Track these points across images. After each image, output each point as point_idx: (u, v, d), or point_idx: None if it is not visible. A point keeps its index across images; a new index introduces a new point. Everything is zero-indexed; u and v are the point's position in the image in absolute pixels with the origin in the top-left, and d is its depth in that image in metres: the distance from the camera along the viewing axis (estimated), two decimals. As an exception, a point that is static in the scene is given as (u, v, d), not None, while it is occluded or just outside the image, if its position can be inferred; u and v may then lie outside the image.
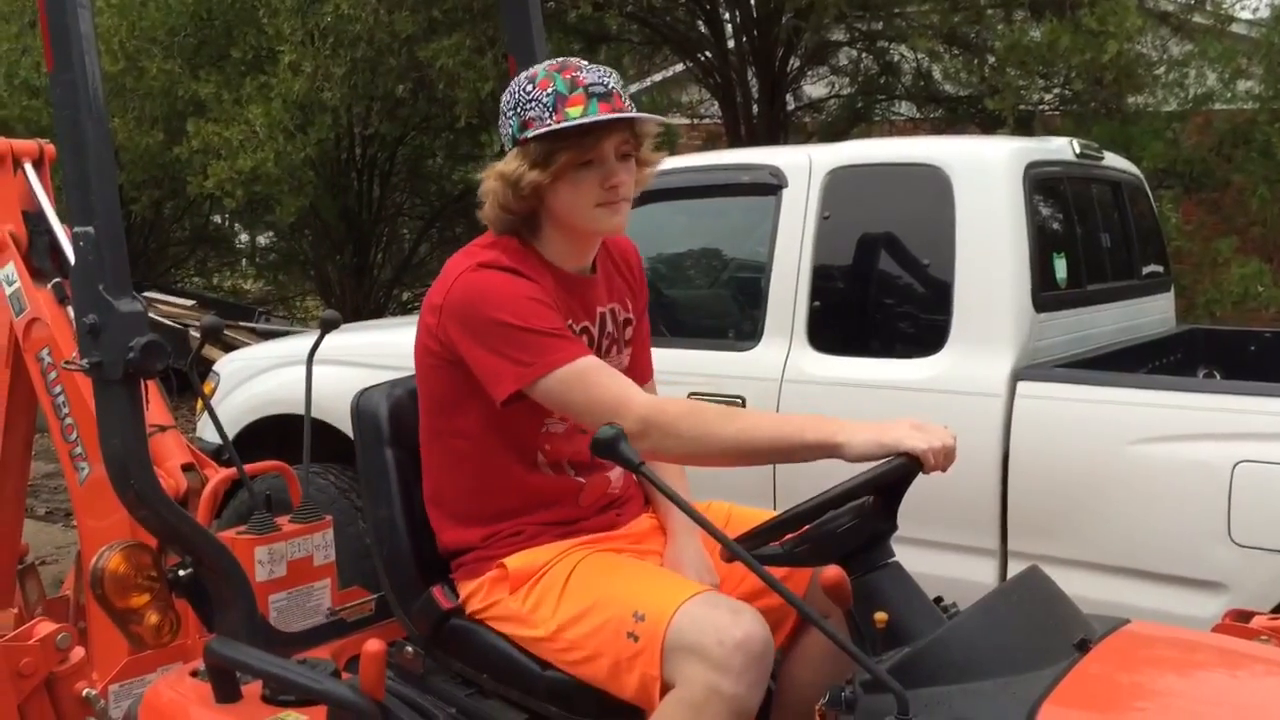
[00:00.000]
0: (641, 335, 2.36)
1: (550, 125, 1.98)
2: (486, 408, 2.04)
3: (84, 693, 2.56)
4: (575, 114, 1.98)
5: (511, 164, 2.04)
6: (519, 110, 2.03)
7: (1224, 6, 7.02)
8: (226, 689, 2.07)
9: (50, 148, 3.15)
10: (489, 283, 2.01)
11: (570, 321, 2.10)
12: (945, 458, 1.80)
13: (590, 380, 1.95)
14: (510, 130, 2.05)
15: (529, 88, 2.03)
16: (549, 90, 2.00)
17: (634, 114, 2.02)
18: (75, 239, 2.08)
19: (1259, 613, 2.15)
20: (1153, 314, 4.30)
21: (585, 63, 2.06)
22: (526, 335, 1.96)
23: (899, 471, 1.79)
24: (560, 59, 2.08)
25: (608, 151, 2.02)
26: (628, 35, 9.03)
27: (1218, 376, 4.24)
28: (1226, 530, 2.88)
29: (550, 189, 2.03)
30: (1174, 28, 7.01)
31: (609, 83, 2.02)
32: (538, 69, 2.06)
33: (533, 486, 2.14)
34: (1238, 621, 2.10)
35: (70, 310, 2.89)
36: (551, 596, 2.01)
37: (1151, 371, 3.90)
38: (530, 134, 2.00)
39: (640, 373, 2.35)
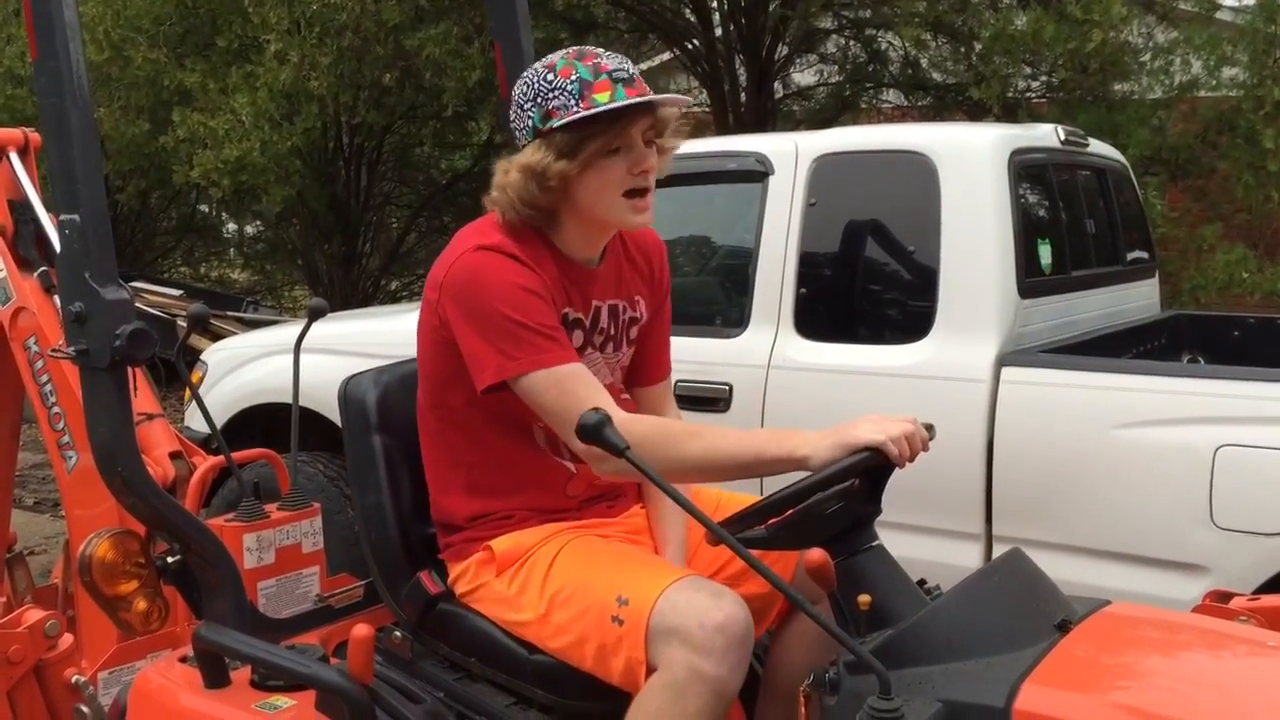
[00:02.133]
0: (659, 333, 2.33)
1: (580, 112, 1.94)
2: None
3: (73, 679, 2.57)
4: (603, 100, 1.94)
5: (535, 155, 1.98)
6: (540, 101, 1.99)
7: (1209, -5, 7.04)
8: (215, 674, 2.08)
9: (35, 136, 3.15)
10: (490, 267, 1.98)
11: (567, 309, 2.09)
12: (909, 444, 1.81)
13: (567, 388, 1.94)
14: (530, 122, 2.01)
15: (550, 76, 1.98)
16: (572, 78, 1.96)
17: (667, 96, 2.01)
18: (61, 227, 2.07)
19: (1238, 593, 2.18)
20: (1137, 300, 4.32)
21: (602, 50, 2.03)
22: (518, 329, 1.95)
23: (865, 464, 1.80)
24: (576, 48, 2.05)
25: (636, 137, 1.99)
26: (615, 23, 9.02)
27: (1202, 362, 4.28)
28: (1209, 513, 2.91)
29: (578, 179, 1.99)
30: (1159, 15, 7.03)
31: (629, 69, 2.00)
32: (554, 58, 2.01)
33: (526, 463, 2.14)
34: (1217, 603, 2.12)
35: (57, 299, 2.89)
36: (536, 580, 2.02)
37: (1136, 357, 3.93)
38: (557, 122, 1.96)
39: (652, 371, 2.33)
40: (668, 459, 1.86)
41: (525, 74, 2.05)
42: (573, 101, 1.95)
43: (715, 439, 1.92)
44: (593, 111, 1.94)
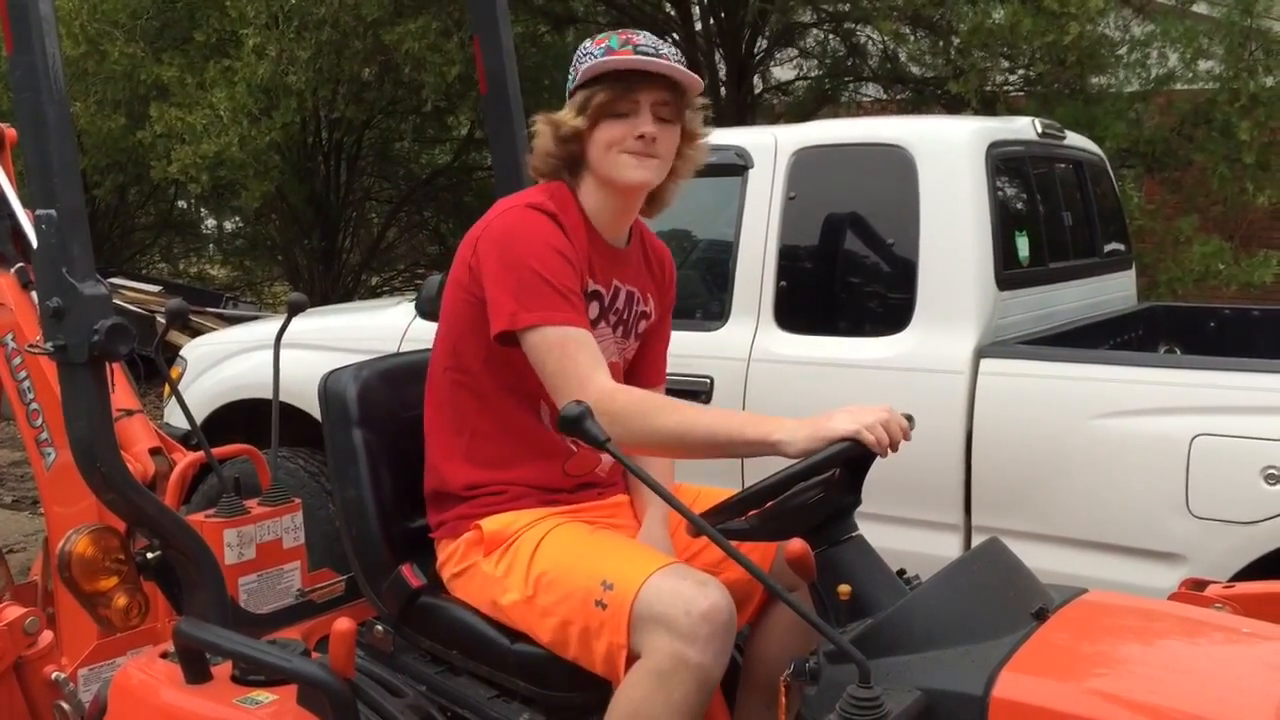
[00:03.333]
0: (660, 340, 2.40)
1: (588, 63, 2.08)
2: (500, 349, 2.09)
3: (53, 676, 2.56)
4: (616, 60, 2.07)
5: (561, 112, 2.14)
6: (575, 66, 2.13)
7: (1185, -13, 7.09)
8: (196, 670, 2.08)
9: (11, 131, 3.13)
10: (531, 222, 2.07)
11: (589, 280, 2.15)
12: (887, 432, 1.83)
13: (570, 350, 1.99)
14: (569, 87, 2.15)
15: (588, 44, 2.14)
16: (602, 45, 2.11)
17: (665, 62, 2.06)
18: (37, 222, 2.06)
19: (1214, 581, 2.20)
20: (1114, 291, 4.35)
21: (650, 34, 2.13)
22: (540, 284, 2.01)
23: (845, 454, 1.81)
24: (630, 29, 2.18)
25: (643, 104, 2.08)
26: (594, 17, 9.01)
27: (1178, 352, 4.31)
28: (1185, 502, 2.93)
29: (589, 137, 2.10)
30: (1136, 8, 7.06)
31: (661, 48, 2.09)
32: (603, 34, 2.16)
33: (528, 434, 2.17)
34: (1193, 590, 2.14)
35: (34, 295, 2.87)
36: (523, 561, 2.04)
37: (1113, 348, 3.96)
38: (575, 82, 2.10)
39: (650, 376, 2.39)
40: (645, 429, 1.91)
41: None
42: (593, 62, 2.10)
43: (694, 415, 1.97)
44: (595, 61, 2.07)
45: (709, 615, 1.81)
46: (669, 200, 2.27)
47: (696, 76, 2.12)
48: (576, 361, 1.97)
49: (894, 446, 1.85)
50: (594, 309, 2.18)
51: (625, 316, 2.26)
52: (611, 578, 1.90)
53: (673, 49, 2.13)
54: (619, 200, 2.18)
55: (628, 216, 2.23)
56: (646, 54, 2.07)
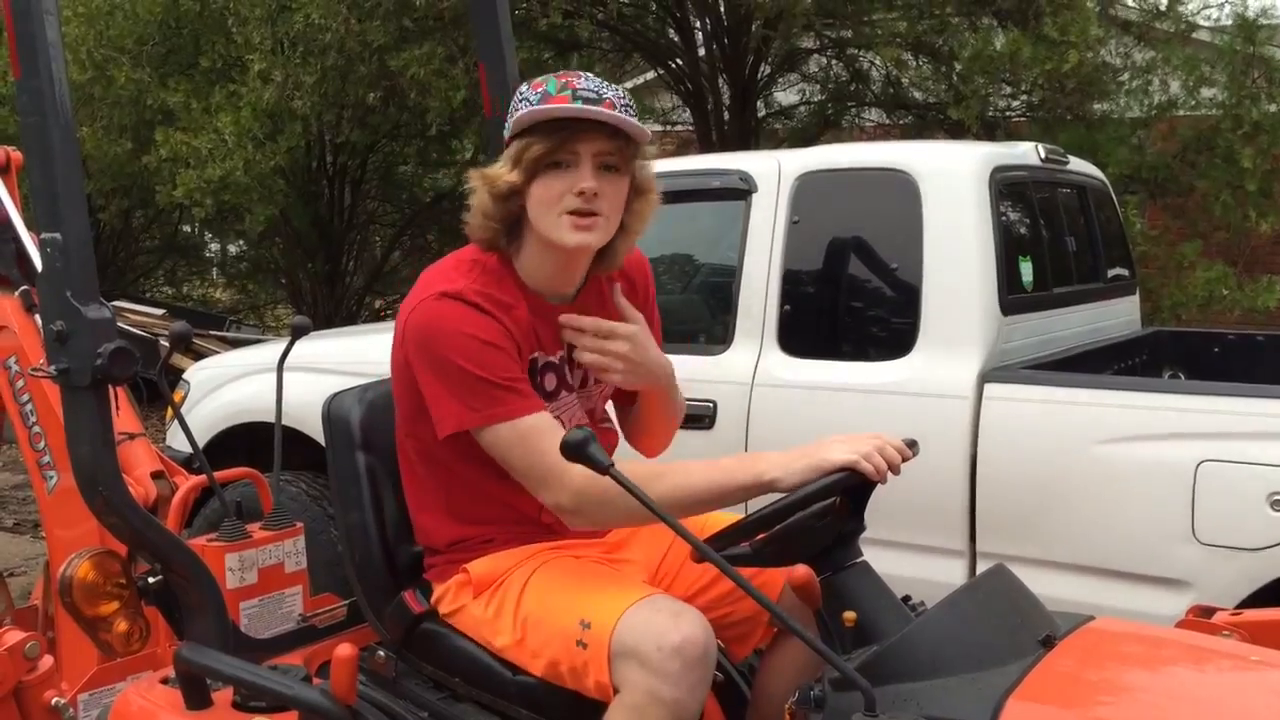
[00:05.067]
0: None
1: (521, 111, 1.94)
2: None
3: (53, 702, 2.54)
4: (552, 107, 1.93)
5: (495, 165, 2.00)
6: (512, 112, 1.99)
7: (1186, 16, 7.12)
8: (197, 696, 2.06)
9: (17, 155, 3.14)
10: (449, 317, 1.95)
11: (536, 354, 2.06)
12: (883, 459, 1.81)
13: (531, 444, 1.92)
14: (506, 135, 2.02)
15: (524, 89, 1.99)
16: (540, 90, 1.96)
17: (607, 110, 1.91)
18: (42, 245, 2.07)
19: (1221, 608, 2.19)
20: (1118, 316, 4.35)
21: (591, 75, 1.98)
22: (478, 383, 1.92)
23: (844, 484, 1.81)
24: (572, 71, 2.04)
25: (583, 155, 1.94)
26: (599, 43, 9.05)
27: (1182, 378, 4.30)
28: (1191, 529, 2.92)
29: (526, 192, 1.97)
30: (1137, 36, 7.09)
31: (604, 92, 1.93)
32: (542, 77, 2.02)
33: (502, 493, 2.10)
34: (1200, 617, 2.13)
35: (38, 318, 2.87)
36: (510, 604, 2.02)
37: (1117, 373, 3.95)
38: (510, 131, 1.98)
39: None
40: (635, 504, 1.78)
41: None
42: (527, 109, 1.96)
43: (681, 477, 1.89)
44: (530, 109, 1.93)
45: (680, 649, 1.77)
46: (619, 259, 2.12)
47: (642, 127, 1.96)
48: (544, 454, 1.88)
49: (893, 470, 1.84)
50: (551, 380, 2.09)
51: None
52: (589, 616, 1.87)
53: (620, 92, 1.96)
54: (561, 260, 2.04)
55: (573, 274, 2.09)
56: (587, 100, 1.90)
